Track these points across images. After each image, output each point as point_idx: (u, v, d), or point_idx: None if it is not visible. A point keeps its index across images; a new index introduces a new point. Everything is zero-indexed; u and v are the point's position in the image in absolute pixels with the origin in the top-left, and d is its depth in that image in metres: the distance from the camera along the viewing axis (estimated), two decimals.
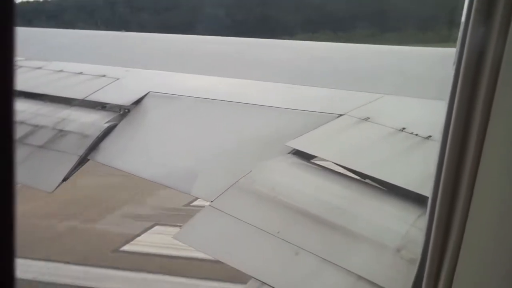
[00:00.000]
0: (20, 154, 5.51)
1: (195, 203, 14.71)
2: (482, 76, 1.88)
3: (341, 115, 4.87)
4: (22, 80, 7.10)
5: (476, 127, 1.91)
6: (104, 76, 6.70)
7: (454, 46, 2.13)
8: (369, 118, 4.73)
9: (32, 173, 5.34)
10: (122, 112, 5.80)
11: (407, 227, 3.44)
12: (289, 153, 4.46)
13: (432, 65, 5.96)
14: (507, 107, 1.85)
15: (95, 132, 5.47)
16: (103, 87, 6.37)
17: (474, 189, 1.94)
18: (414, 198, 3.71)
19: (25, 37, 8.84)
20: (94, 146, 5.33)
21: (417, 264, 2.63)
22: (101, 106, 6.08)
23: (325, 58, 6.73)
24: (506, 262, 1.93)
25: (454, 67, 2.04)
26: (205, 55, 7.47)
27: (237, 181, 4.20)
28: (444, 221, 2.07)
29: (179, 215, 15.38)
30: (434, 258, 2.12)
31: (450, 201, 2.05)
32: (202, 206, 4.19)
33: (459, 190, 2.00)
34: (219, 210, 4.02)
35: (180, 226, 4.28)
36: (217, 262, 3.86)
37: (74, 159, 5.22)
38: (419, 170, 4.03)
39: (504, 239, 1.92)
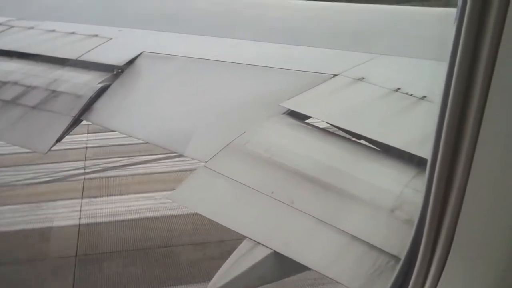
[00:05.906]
0: (13, 115, 5.48)
1: None
2: (485, 35, 1.82)
3: (335, 75, 4.83)
4: (14, 40, 7.01)
5: (478, 86, 1.84)
6: (96, 36, 6.61)
7: (452, 7, 2.05)
8: (363, 78, 4.70)
9: (25, 134, 5.31)
10: (116, 72, 5.75)
11: (401, 188, 3.45)
12: (283, 113, 4.44)
13: (428, 25, 5.89)
14: (511, 67, 1.80)
15: (88, 93, 5.43)
16: (96, 47, 6.30)
17: (476, 151, 1.91)
18: (408, 159, 3.71)
19: None
20: (88, 106, 5.30)
21: (413, 225, 2.63)
22: (94, 66, 6.02)
23: (320, 18, 6.64)
24: (507, 220, 1.92)
25: (455, 25, 1.98)
26: (199, 14, 7.36)
27: (231, 142, 4.19)
28: (444, 182, 2.04)
29: None
30: (434, 220, 2.11)
31: (450, 163, 2.01)
32: None
33: (460, 152, 1.96)
34: (213, 170, 4.02)
35: None
36: None
37: (68, 120, 5.20)
38: (413, 131, 4.02)
39: (504, 200, 1.91)
